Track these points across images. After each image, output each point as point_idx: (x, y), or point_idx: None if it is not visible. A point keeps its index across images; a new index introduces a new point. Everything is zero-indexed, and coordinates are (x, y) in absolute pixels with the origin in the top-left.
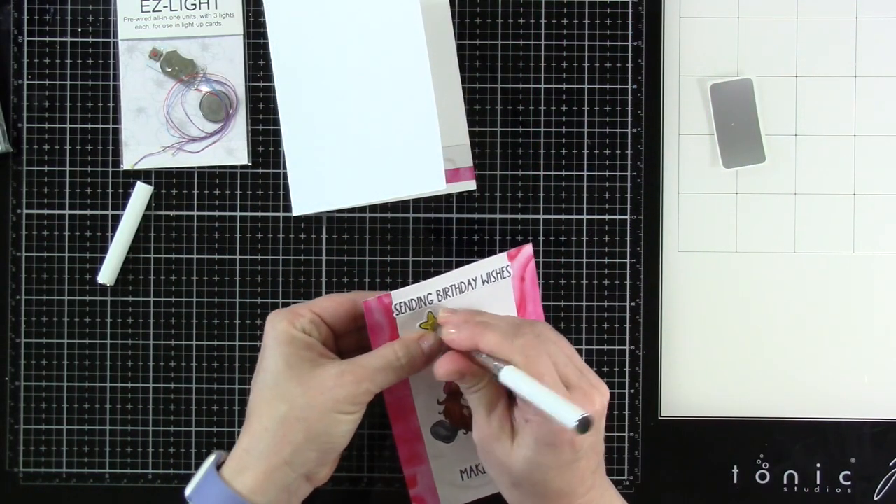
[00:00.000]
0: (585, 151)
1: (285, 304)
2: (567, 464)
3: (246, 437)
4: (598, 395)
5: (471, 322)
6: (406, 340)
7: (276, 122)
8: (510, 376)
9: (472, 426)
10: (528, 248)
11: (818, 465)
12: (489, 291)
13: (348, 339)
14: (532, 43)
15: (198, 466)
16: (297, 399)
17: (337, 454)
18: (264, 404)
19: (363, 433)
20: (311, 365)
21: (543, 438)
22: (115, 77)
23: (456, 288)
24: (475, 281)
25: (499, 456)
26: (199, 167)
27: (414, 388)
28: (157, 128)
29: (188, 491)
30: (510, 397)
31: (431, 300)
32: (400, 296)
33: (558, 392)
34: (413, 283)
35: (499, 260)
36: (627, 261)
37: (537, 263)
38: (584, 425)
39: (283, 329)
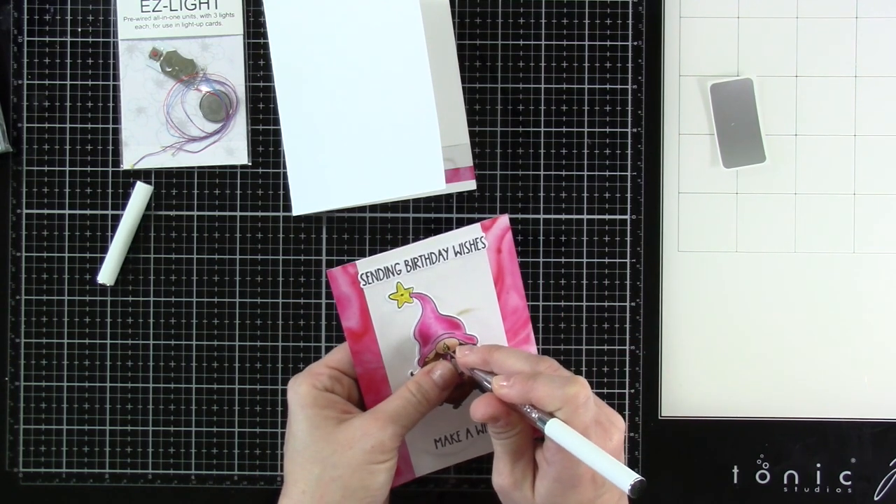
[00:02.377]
0: (585, 151)
1: (285, 305)
2: (589, 501)
3: (287, 503)
4: (616, 431)
5: (522, 377)
6: (418, 378)
7: (276, 122)
8: (556, 430)
9: (494, 471)
10: (503, 219)
11: (818, 465)
12: (463, 263)
13: None
14: (532, 43)
15: (197, 466)
16: (329, 458)
17: None
18: (298, 468)
19: None
20: (336, 422)
21: (567, 480)
22: (115, 77)
23: (426, 258)
24: (447, 252)
25: (519, 501)
26: (199, 167)
27: (386, 360)
28: (157, 128)
29: None
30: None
31: (399, 270)
32: (365, 265)
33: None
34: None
35: (472, 230)
36: (627, 261)
37: (536, 263)
38: (639, 489)
39: (304, 392)
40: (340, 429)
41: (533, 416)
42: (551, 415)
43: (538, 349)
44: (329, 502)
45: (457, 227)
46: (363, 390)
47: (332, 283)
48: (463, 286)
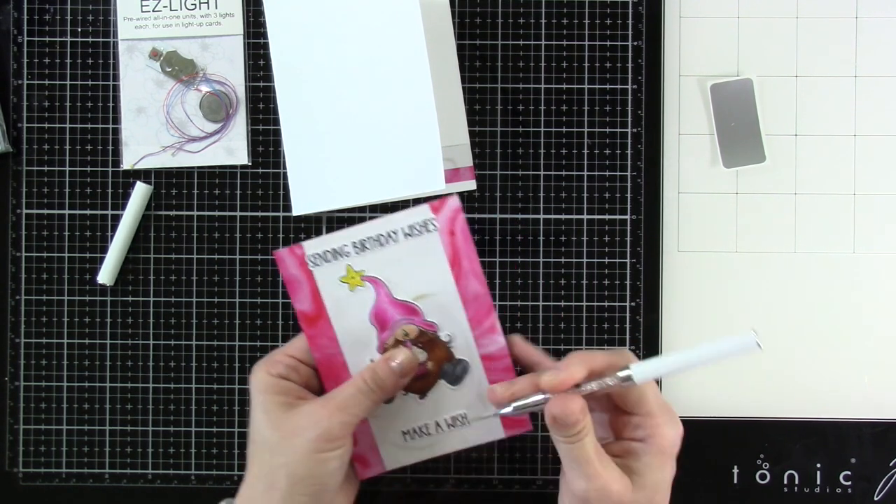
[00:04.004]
0: (585, 151)
1: (285, 305)
2: (671, 479)
3: (244, 487)
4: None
5: (569, 358)
6: (374, 365)
7: (276, 122)
8: (646, 369)
9: (582, 479)
10: (453, 200)
11: (818, 465)
12: (415, 246)
13: None
14: (532, 43)
15: (197, 466)
16: (277, 445)
17: (333, 493)
18: (254, 454)
19: None
20: (286, 409)
21: (665, 448)
22: (115, 77)
23: (374, 240)
24: (396, 234)
25: (619, 497)
26: (199, 167)
27: (343, 345)
28: (157, 128)
29: None
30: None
31: (348, 252)
32: (312, 246)
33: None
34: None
35: (420, 212)
36: (627, 261)
37: (536, 263)
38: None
39: (259, 378)
40: (289, 416)
41: (608, 382)
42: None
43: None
44: (278, 488)
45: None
46: (322, 377)
47: (280, 265)
48: (417, 270)
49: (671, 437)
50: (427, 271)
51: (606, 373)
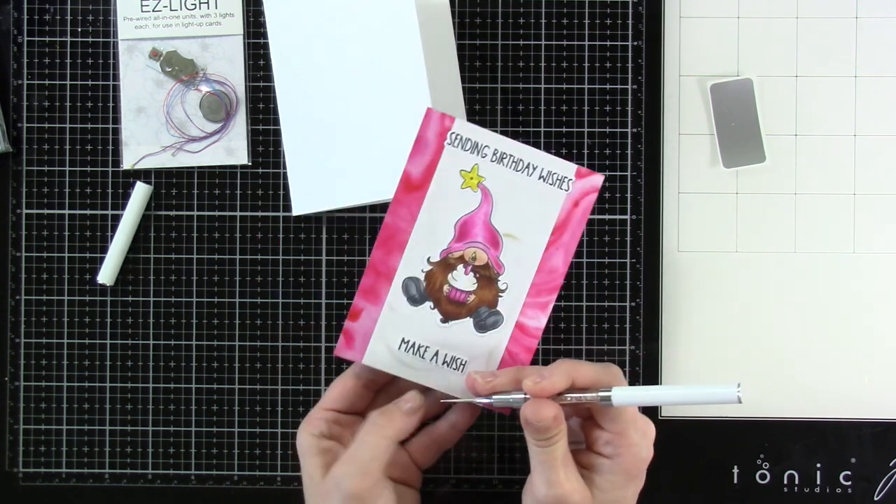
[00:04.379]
0: (585, 151)
1: (285, 305)
2: (635, 494)
3: None
4: (652, 428)
5: (555, 366)
6: (387, 409)
7: (276, 122)
8: (625, 395)
9: (544, 485)
10: (598, 178)
11: (818, 465)
12: (540, 191)
13: (381, 398)
14: (532, 43)
15: (197, 466)
16: None
17: None
18: None
19: None
20: (324, 470)
21: (634, 469)
22: (115, 77)
23: (512, 160)
24: (534, 170)
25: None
26: (199, 167)
27: (417, 228)
28: (157, 128)
29: None
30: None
31: (485, 154)
32: (460, 127)
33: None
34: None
35: (565, 168)
36: (627, 261)
37: None
38: (741, 393)
39: (303, 440)
40: (325, 477)
41: (587, 397)
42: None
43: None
44: None
45: None
46: (379, 238)
47: (424, 122)
48: (524, 210)
49: (639, 458)
50: (531, 218)
51: (590, 388)
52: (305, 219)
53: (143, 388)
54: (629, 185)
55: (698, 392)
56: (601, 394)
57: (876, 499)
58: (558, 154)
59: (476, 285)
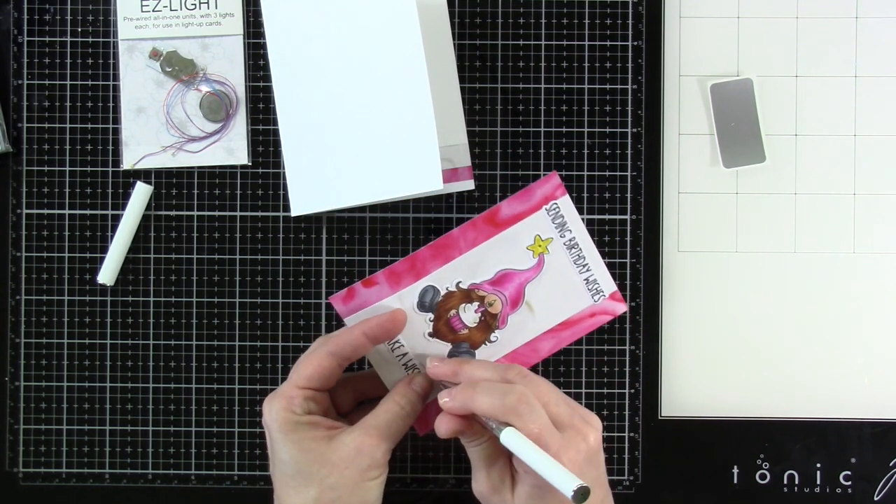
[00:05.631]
0: (585, 151)
1: (285, 305)
2: None
3: None
4: (592, 431)
5: (462, 389)
6: (401, 389)
7: (276, 121)
8: (510, 439)
9: (473, 479)
10: (621, 307)
11: (818, 465)
12: (576, 286)
13: (343, 388)
14: (532, 43)
15: (197, 466)
16: (325, 480)
17: None
18: (293, 492)
19: None
20: (327, 442)
21: (545, 485)
22: (115, 77)
23: (578, 253)
24: (586, 270)
25: None
26: (199, 167)
27: (467, 256)
28: (157, 128)
29: None
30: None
31: (564, 235)
32: (564, 204)
33: (552, 447)
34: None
35: (608, 284)
36: (627, 261)
37: None
38: (581, 495)
39: (284, 418)
40: (332, 448)
41: (491, 425)
42: (507, 424)
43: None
44: None
45: (456, 226)
46: (437, 243)
47: (543, 179)
48: (555, 295)
49: (546, 479)
50: (554, 303)
51: (484, 415)
52: (305, 219)
53: (143, 388)
54: (629, 185)
55: (552, 471)
56: (496, 425)
57: (876, 499)
58: (558, 154)
59: (476, 325)
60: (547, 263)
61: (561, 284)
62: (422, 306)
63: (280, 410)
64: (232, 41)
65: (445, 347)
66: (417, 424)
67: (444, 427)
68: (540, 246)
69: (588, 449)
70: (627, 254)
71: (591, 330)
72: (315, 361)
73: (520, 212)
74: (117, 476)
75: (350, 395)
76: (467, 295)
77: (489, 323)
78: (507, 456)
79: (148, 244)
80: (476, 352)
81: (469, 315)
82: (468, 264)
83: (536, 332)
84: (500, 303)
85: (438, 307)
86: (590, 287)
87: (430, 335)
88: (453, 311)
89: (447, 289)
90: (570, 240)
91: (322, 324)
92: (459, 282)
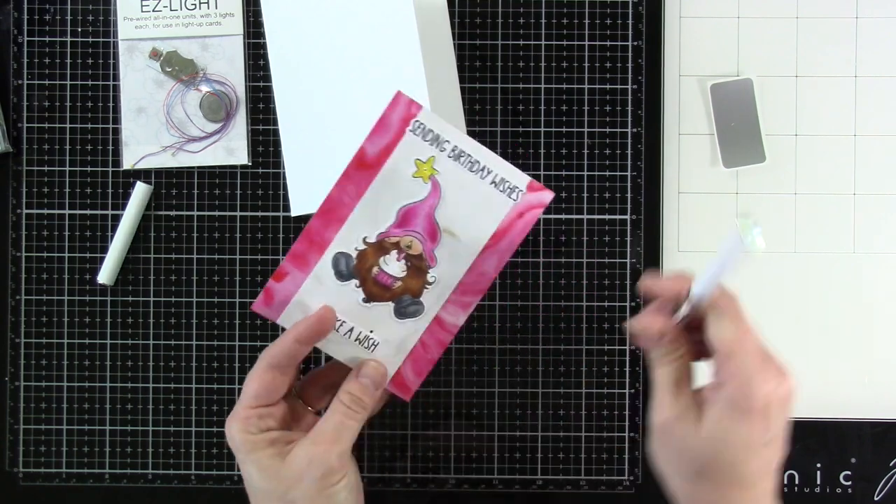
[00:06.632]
0: (585, 151)
1: None
2: (756, 446)
3: None
4: (789, 377)
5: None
6: (345, 387)
7: (276, 121)
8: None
9: (654, 408)
10: (547, 195)
11: (818, 465)
12: (488, 195)
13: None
14: (532, 43)
15: (197, 466)
16: (285, 495)
17: None
18: None
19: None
20: (281, 459)
21: (739, 403)
22: (115, 77)
23: (468, 160)
24: (486, 173)
25: (683, 438)
26: (199, 167)
27: (360, 207)
28: (157, 128)
29: None
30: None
31: (443, 148)
32: (426, 117)
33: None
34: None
35: (519, 178)
36: (627, 261)
37: (536, 263)
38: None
39: (241, 440)
40: (287, 464)
41: (685, 307)
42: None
43: (541, 348)
44: None
45: None
46: (322, 207)
47: (391, 104)
48: (468, 210)
49: (747, 392)
50: (474, 220)
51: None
52: (305, 219)
53: (143, 388)
54: (629, 185)
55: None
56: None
57: (876, 499)
58: (558, 154)
59: (405, 273)
60: (443, 183)
61: (469, 197)
62: (341, 276)
63: (237, 433)
64: (232, 41)
65: (387, 307)
66: (400, 391)
67: (645, 323)
68: (425, 169)
69: (781, 388)
70: (627, 254)
71: (529, 230)
72: (257, 378)
73: (386, 144)
74: (117, 476)
75: (320, 391)
76: (380, 247)
77: (418, 266)
78: (692, 384)
79: (148, 244)
80: (421, 299)
81: (393, 266)
82: (364, 217)
83: (472, 256)
84: (417, 241)
85: (357, 271)
86: (501, 189)
87: (365, 301)
88: (375, 269)
89: (356, 249)
90: (454, 149)
91: None
92: (365, 237)
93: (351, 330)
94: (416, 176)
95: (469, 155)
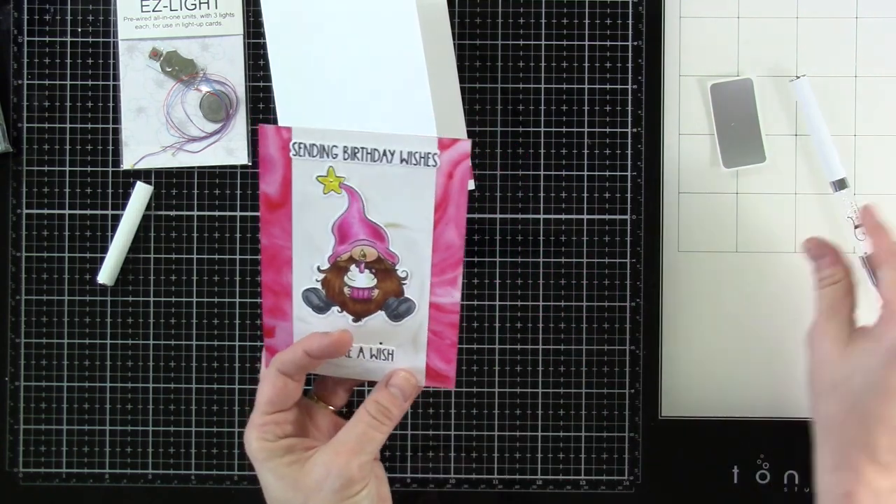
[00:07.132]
0: (585, 151)
1: None
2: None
3: None
4: None
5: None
6: (374, 396)
7: (276, 121)
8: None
9: (813, 322)
10: (464, 144)
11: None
12: (407, 174)
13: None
14: (532, 43)
15: (197, 466)
16: None
17: None
18: None
19: None
20: (299, 467)
21: (889, 347)
22: (115, 77)
23: (367, 153)
24: (392, 155)
25: (823, 355)
26: (199, 167)
27: (296, 243)
28: (157, 128)
29: None
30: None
31: (335, 154)
32: (301, 134)
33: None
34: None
35: (426, 143)
36: (627, 261)
37: (536, 263)
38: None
39: (258, 447)
40: (305, 472)
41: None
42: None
43: (541, 348)
44: None
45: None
46: (263, 262)
47: (261, 141)
48: (399, 198)
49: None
50: (409, 203)
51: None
52: None
53: (143, 388)
54: (629, 185)
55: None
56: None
57: None
58: (558, 154)
59: (376, 280)
60: (356, 185)
61: (388, 186)
62: (319, 309)
63: (254, 441)
64: (232, 41)
65: (379, 317)
66: (439, 382)
67: (818, 239)
68: (331, 181)
69: None
70: (627, 254)
71: (467, 183)
72: (270, 384)
73: (282, 178)
74: (117, 476)
75: (341, 392)
76: (337, 268)
77: (383, 268)
78: (853, 317)
79: (148, 244)
80: (406, 296)
81: (360, 279)
82: (306, 249)
83: (428, 236)
84: (367, 247)
85: (330, 298)
86: (415, 162)
87: (356, 320)
88: (346, 289)
89: (317, 280)
90: (345, 150)
91: None
92: (318, 266)
93: (361, 351)
94: (327, 192)
95: (363, 147)
